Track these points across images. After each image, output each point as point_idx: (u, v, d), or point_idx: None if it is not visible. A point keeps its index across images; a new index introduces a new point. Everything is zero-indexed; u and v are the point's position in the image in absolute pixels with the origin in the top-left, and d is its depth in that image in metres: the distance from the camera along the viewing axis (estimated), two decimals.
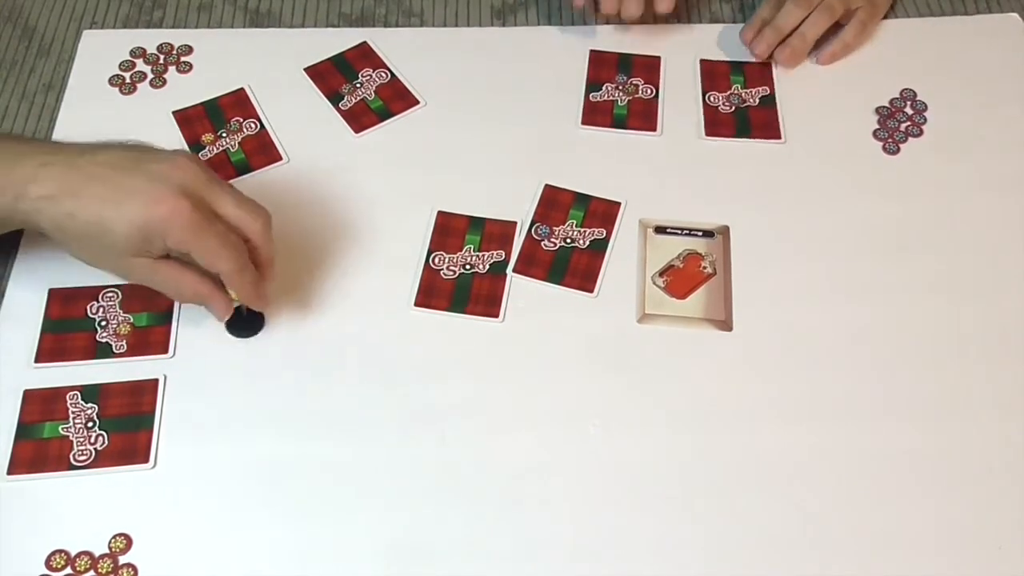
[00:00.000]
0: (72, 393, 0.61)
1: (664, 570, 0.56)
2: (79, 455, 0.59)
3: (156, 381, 0.62)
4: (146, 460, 0.59)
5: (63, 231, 0.56)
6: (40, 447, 0.59)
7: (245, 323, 0.63)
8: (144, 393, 0.61)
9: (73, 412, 0.60)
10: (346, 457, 0.59)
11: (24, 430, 0.59)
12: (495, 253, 0.68)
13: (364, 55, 0.78)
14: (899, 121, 0.75)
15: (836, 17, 0.77)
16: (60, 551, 0.56)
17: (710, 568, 0.56)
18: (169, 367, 0.62)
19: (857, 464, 0.60)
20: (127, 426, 0.60)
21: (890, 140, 0.74)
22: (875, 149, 0.74)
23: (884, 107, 0.76)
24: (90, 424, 0.60)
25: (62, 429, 0.60)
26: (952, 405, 0.62)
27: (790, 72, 0.78)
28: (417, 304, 0.65)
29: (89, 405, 0.60)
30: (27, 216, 0.56)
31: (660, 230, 0.69)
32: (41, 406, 0.60)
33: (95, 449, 0.59)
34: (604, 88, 0.77)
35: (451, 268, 0.67)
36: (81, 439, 0.59)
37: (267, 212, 0.59)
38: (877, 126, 0.75)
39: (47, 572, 0.55)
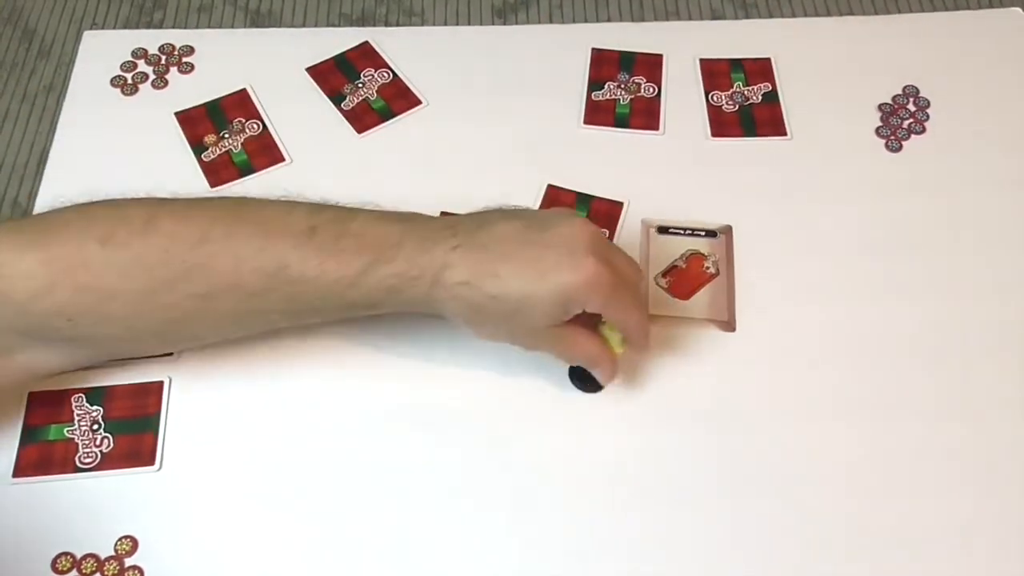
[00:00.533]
0: (77, 395, 0.61)
1: (668, 570, 0.56)
2: (84, 457, 0.59)
3: (161, 383, 0.62)
4: (151, 462, 0.59)
5: (481, 314, 0.54)
6: (45, 450, 0.59)
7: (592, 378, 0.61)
8: (149, 395, 0.61)
9: (78, 414, 0.60)
10: (351, 458, 0.60)
11: (29, 433, 0.60)
12: None
13: (366, 55, 0.78)
14: (902, 118, 0.75)
15: None
16: (66, 554, 0.56)
17: (714, 568, 0.56)
18: (174, 369, 0.62)
19: (861, 463, 0.60)
20: (132, 428, 0.60)
21: (893, 137, 0.74)
22: (878, 146, 0.74)
23: (887, 104, 0.76)
24: (95, 426, 0.60)
25: (67, 431, 0.60)
26: (957, 404, 0.62)
27: (791, 68, 0.78)
28: None
29: (94, 407, 0.61)
30: (441, 304, 0.54)
31: (663, 230, 0.69)
32: (46, 409, 0.60)
33: (100, 451, 0.59)
34: (606, 87, 0.77)
35: None
36: (86, 441, 0.59)
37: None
38: (880, 123, 0.75)
39: (53, 575, 0.55)
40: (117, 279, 0.53)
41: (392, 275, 0.53)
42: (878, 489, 0.59)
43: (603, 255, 0.54)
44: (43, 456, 0.59)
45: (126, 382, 0.62)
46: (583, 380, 0.61)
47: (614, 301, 0.55)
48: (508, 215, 0.56)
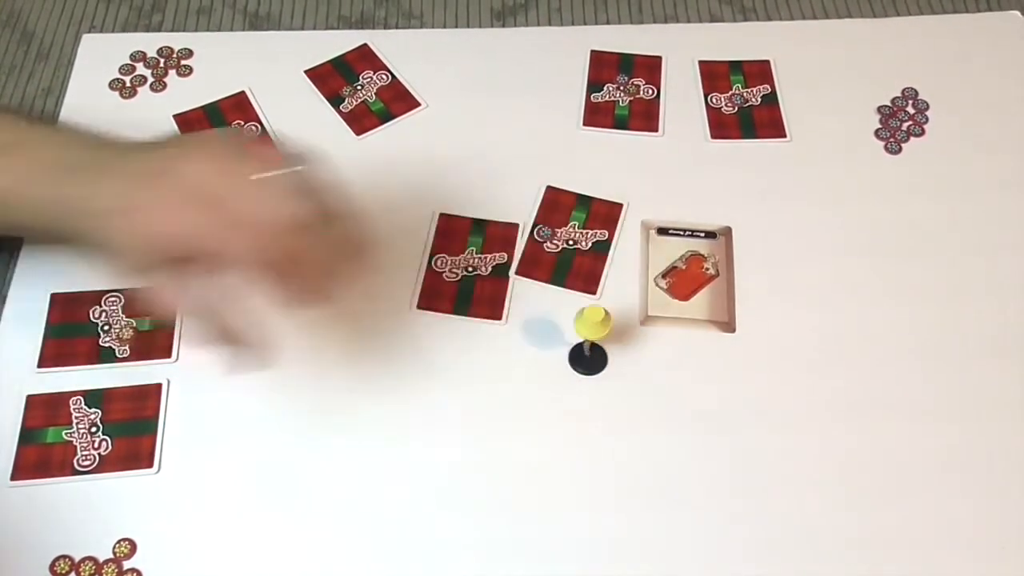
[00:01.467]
0: (75, 398, 0.61)
1: (668, 570, 0.56)
2: (83, 460, 0.59)
3: (159, 385, 0.62)
4: (150, 465, 0.59)
5: (90, 250, 0.53)
6: (44, 452, 0.59)
7: (589, 362, 0.62)
8: (147, 398, 0.61)
9: (76, 417, 0.60)
10: (349, 460, 0.59)
11: (28, 435, 0.59)
12: (498, 255, 0.68)
13: (364, 57, 0.78)
14: (901, 120, 0.75)
15: None
16: (64, 556, 0.56)
17: (713, 568, 0.56)
18: (172, 371, 0.62)
19: (861, 464, 0.60)
20: (131, 431, 0.60)
21: (892, 139, 0.74)
22: (877, 148, 0.74)
23: (886, 106, 0.76)
24: (94, 429, 0.60)
25: (66, 434, 0.60)
26: (957, 405, 0.62)
27: (790, 70, 0.78)
28: (419, 307, 0.65)
29: (92, 410, 0.60)
30: (82, 232, 0.53)
31: (662, 231, 0.69)
32: (44, 411, 0.60)
33: (99, 454, 0.59)
34: (605, 89, 0.77)
35: (454, 270, 0.67)
36: (85, 444, 0.59)
37: (297, 205, 0.51)
38: (879, 125, 0.75)
39: None
40: None
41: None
42: (877, 490, 0.59)
43: (211, 194, 0.50)
44: (41, 459, 0.59)
45: (125, 384, 0.61)
46: (582, 364, 0.62)
47: (226, 254, 0.50)
48: (159, 143, 0.56)
